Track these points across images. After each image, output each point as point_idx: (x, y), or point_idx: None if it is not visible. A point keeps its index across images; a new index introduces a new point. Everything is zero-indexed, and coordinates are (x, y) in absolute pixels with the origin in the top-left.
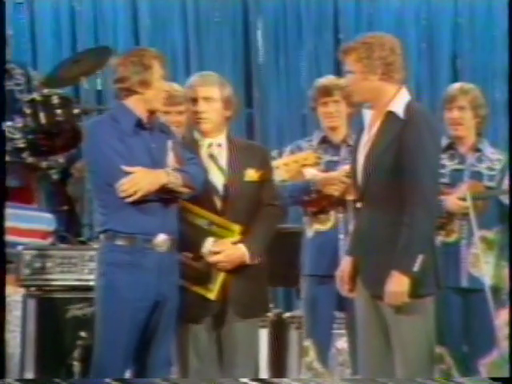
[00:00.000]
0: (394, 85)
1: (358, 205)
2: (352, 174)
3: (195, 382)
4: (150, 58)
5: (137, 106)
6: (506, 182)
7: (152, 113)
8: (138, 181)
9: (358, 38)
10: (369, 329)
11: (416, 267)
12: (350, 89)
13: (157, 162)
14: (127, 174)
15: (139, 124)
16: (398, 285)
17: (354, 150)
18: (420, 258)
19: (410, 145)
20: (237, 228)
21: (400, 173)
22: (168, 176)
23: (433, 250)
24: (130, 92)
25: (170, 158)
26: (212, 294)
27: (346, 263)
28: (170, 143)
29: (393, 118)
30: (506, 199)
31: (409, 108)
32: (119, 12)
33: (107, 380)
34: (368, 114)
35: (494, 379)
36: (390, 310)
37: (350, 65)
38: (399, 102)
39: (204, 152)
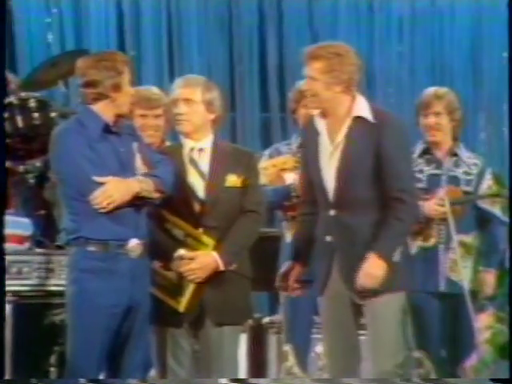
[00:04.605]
0: (351, 95)
1: (332, 212)
2: (315, 182)
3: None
4: (121, 62)
5: (104, 110)
6: (483, 186)
7: (119, 117)
8: (111, 193)
9: (327, 45)
10: (343, 328)
11: (395, 257)
12: (310, 94)
13: (125, 166)
14: (99, 183)
15: (106, 129)
16: (374, 267)
17: (308, 159)
18: (399, 251)
19: (390, 147)
20: (211, 242)
21: (380, 174)
22: (140, 184)
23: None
24: (101, 96)
25: (138, 161)
26: (181, 306)
27: (292, 268)
28: (135, 145)
29: (362, 123)
30: (482, 203)
31: (375, 111)
32: (101, 14)
33: (82, 381)
34: (321, 122)
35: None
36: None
37: (314, 71)
38: (362, 106)
39: (185, 156)
